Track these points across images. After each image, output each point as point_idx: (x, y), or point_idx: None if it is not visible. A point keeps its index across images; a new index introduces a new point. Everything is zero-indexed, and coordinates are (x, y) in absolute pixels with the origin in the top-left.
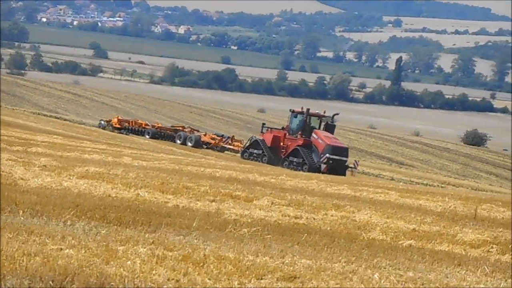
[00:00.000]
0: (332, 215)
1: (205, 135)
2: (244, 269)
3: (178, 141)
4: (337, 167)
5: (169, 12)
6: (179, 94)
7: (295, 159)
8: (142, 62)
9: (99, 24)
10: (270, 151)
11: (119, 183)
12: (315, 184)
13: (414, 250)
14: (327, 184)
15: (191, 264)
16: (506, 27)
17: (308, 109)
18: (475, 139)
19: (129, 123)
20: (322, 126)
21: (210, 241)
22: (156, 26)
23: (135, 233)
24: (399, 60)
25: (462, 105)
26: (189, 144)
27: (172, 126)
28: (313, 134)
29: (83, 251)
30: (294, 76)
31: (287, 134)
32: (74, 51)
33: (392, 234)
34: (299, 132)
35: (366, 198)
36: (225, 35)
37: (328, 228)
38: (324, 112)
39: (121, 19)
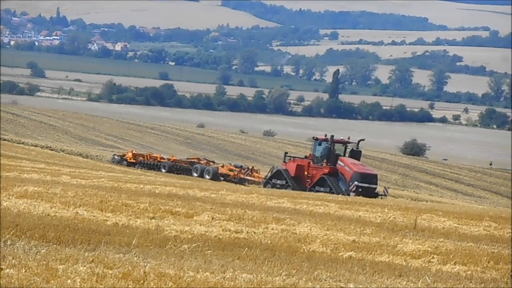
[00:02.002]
0: (272, 229)
1: (222, 166)
2: (184, 286)
3: (195, 174)
4: (367, 195)
5: (106, 29)
6: (117, 111)
7: (321, 189)
8: (79, 80)
9: (36, 43)
10: (294, 181)
11: (58, 202)
12: (256, 198)
13: (354, 262)
14: (267, 198)
15: (131, 282)
16: (443, 36)
17: (332, 136)
18: (414, 150)
19: (143, 157)
20: (347, 153)
21: (150, 258)
22: (93, 44)
23: (75, 251)
24: (336, 72)
25: (400, 116)
26: (207, 177)
27: (187, 158)
28: (339, 162)
29: (23, 271)
30: (232, 91)
31: (311, 162)
32: (11, 71)
33: (332, 246)
34: (324, 160)
35: (306, 211)
36: (162, 51)
37: (269, 242)
38: (349, 138)
39: (58, 37)
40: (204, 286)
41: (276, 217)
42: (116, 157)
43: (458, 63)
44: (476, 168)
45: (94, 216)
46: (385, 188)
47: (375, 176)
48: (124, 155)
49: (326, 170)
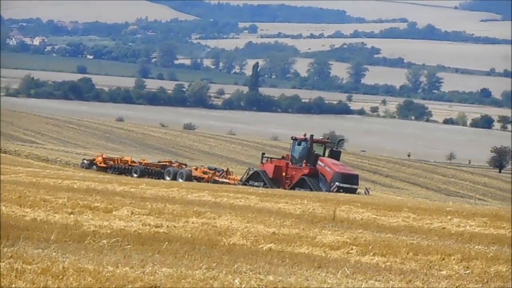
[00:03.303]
0: (193, 222)
1: (196, 169)
2: (104, 281)
3: (168, 178)
4: None
5: (24, 24)
6: (36, 105)
7: (301, 190)
8: None
9: None
10: (272, 182)
11: None
12: (176, 192)
13: (274, 254)
14: (188, 192)
15: (50, 277)
16: (361, 29)
17: (311, 136)
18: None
19: (114, 161)
20: (326, 153)
21: (69, 254)
22: (11, 39)
23: None
24: (255, 65)
25: (319, 108)
26: (180, 180)
27: (159, 162)
28: (319, 162)
29: None
30: (152, 84)
31: (290, 163)
32: None
33: (252, 238)
34: (304, 161)
35: (227, 204)
36: (80, 45)
37: (189, 236)
38: (328, 138)
39: None
40: (124, 281)
41: (196, 210)
42: (85, 162)
43: (376, 55)
44: (394, 160)
45: (12, 211)
46: (366, 188)
47: (356, 176)
48: (94, 159)
49: (306, 171)
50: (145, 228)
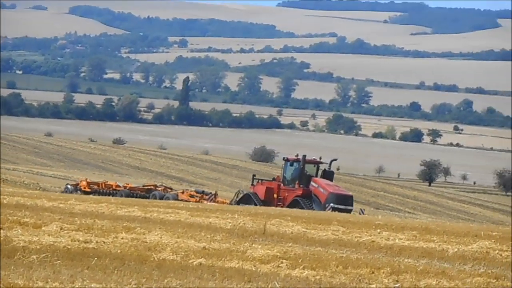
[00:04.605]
0: (122, 238)
1: (182, 192)
2: None
3: None
4: None
5: None
6: None
7: None
8: None
9: None
10: (264, 204)
11: None
12: (105, 207)
13: (204, 269)
14: (117, 207)
15: None
16: (290, 43)
17: (304, 156)
18: (264, 156)
19: (98, 186)
20: (319, 174)
21: None
22: None
23: None
24: (186, 80)
25: (249, 122)
26: None
27: (143, 186)
28: (312, 183)
29: None
30: (81, 99)
31: (282, 184)
32: None
33: (183, 253)
34: (296, 182)
35: (157, 219)
36: (9, 60)
37: (119, 251)
38: (320, 158)
39: None
40: None
41: (126, 226)
42: (69, 186)
43: (305, 70)
44: None
45: None
46: (360, 209)
47: (351, 197)
48: (78, 184)
49: (299, 192)
50: (74, 243)
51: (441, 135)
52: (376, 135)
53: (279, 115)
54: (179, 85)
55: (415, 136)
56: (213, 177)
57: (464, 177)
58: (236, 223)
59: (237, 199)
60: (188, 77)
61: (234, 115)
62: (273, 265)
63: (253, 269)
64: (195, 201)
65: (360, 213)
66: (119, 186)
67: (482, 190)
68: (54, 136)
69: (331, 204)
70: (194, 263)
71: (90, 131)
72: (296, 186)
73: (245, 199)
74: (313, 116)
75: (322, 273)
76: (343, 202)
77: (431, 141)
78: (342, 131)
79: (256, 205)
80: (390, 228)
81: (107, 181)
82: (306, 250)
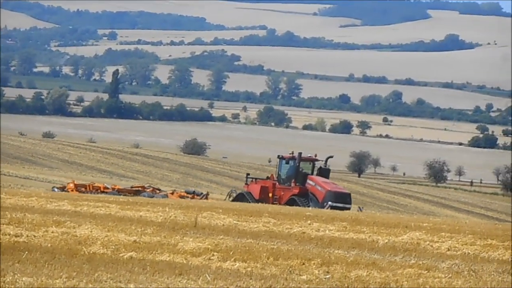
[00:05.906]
0: (52, 232)
1: (172, 193)
2: None
3: None
4: None
5: None
6: None
7: None
8: None
9: None
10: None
11: None
12: (35, 201)
13: (135, 262)
14: (47, 201)
15: None
16: (221, 36)
17: (300, 154)
18: (195, 148)
19: (86, 188)
20: (315, 171)
21: None
22: None
23: None
24: (115, 72)
25: (180, 115)
26: None
27: (132, 187)
28: (309, 181)
29: None
30: (10, 93)
31: (277, 183)
32: None
33: (113, 247)
34: (292, 180)
35: (87, 213)
36: None
37: (49, 245)
38: (316, 156)
39: None
40: None
41: (56, 220)
42: (56, 189)
43: (236, 63)
44: (255, 165)
45: None
46: (359, 207)
47: (349, 195)
48: (65, 186)
49: (296, 191)
50: (4, 237)
51: (370, 127)
52: (306, 127)
53: (210, 107)
54: (108, 78)
55: (344, 128)
56: (144, 171)
57: (394, 168)
58: (167, 216)
59: (230, 199)
60: (117, 70)
61: (165, 108)
62: (204, 258)
63: (184, 262)
64: None
65: (358, 211)
66: (107, 188)
67: (411, 181)
68: None
69: (329, 203)
70: (125, 256)
71: (20, 125)
72: (292, 184)
73: (239, 199)
74: (244, 109)
75: (253, 265)
76: (341, 200)
77: (361, 132)
78: (273, 124)
79: None
80: (321, 219)
81: (94, 183)
82: (237, 242)
